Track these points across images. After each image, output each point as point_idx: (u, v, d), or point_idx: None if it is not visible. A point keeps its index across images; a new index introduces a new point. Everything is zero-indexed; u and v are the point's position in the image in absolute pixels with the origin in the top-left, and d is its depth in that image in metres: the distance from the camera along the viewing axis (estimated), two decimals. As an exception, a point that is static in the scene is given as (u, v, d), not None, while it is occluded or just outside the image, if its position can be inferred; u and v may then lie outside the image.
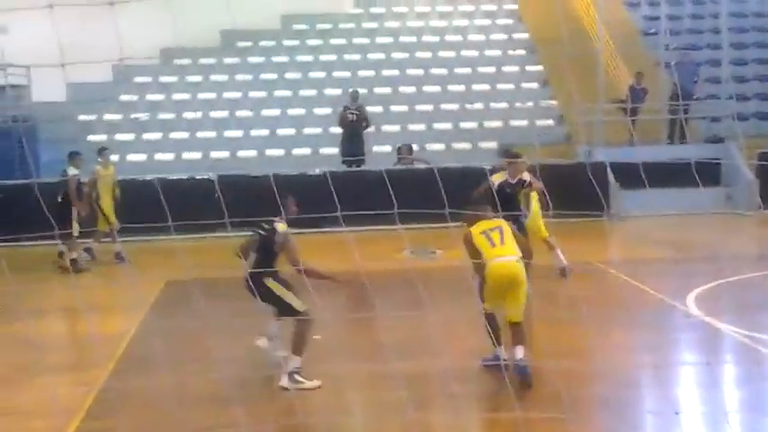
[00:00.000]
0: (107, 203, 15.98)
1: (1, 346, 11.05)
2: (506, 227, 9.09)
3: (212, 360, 9.96)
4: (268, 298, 8.86)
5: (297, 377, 8.81)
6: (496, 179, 11.79)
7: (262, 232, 8.94)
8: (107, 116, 22.65)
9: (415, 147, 20.88)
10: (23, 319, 11.75)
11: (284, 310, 8.91)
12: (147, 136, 22.04)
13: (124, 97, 23.39)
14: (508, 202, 11.28)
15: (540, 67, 25.26)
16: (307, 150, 21.86)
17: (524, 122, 23.33)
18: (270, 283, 8.84)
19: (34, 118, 21.07)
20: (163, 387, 8.95)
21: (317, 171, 18.93)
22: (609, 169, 18.96)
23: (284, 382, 8.79)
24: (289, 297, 8.86)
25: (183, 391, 8.85)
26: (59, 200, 14.90)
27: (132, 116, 22.52)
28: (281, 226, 8.87)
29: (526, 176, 11.92)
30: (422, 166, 19.27)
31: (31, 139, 20.26)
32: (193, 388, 8.91)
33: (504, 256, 8.85)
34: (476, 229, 9.01)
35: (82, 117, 22.53)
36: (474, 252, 8.95)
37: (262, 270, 8.78)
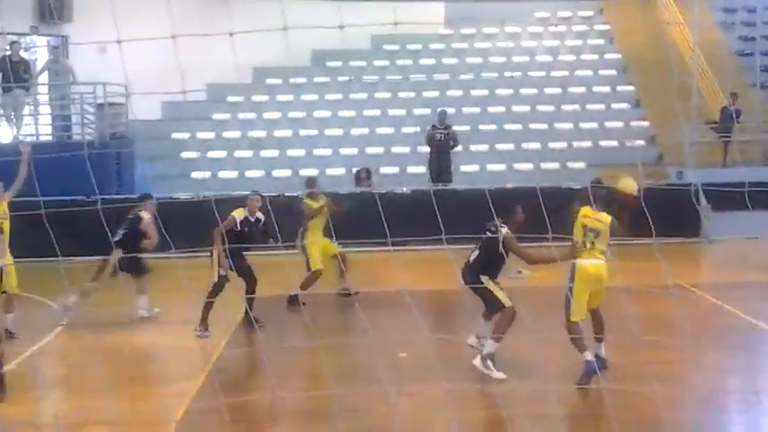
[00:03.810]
0: None
1: (100, 356, 11.31)
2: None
3: (299, 375, 10.13)
4: (481, 293, 9.82)
5: (489, 363, 9.65)
6: (237, 215, 12.27)
7: (489, 234, 9.76)
8: (200, 134, 23.11)
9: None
10: (121, 330, 12.10)
11: (493, 304, 9.82)
12: (238, 153, 22.43)
13: (217, 116, 23.85)
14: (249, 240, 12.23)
15: (631, 88, 24.99)
16: (395, 169, 21.98)
17: (614, 143, 23.07)
18: (485, 280, 9.79)
19: (131, 135, 21.61)
20: (251, 402, 9.10)
21: (404, 189, 19.04)
22: (701, 191, 18.61)
23: (477, 361, 9.70)
24: (498, 293, 9.78)
25: (272, 407, 8.97)
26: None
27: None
28: (505, 230, 9.72)
29: (261, 216, 12.47)
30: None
31: (128, 156, 20.81)
32: (281, 403, 9.02)
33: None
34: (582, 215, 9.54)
35: (176, 135, 23.04)
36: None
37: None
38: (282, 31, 20.00)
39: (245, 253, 12.42)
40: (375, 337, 10.56)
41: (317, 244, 13.98)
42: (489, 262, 9.83)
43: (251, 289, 12.32)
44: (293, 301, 13.46)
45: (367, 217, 14.89)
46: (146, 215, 12.76)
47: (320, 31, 21.73)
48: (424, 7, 26.17)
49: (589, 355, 9.23)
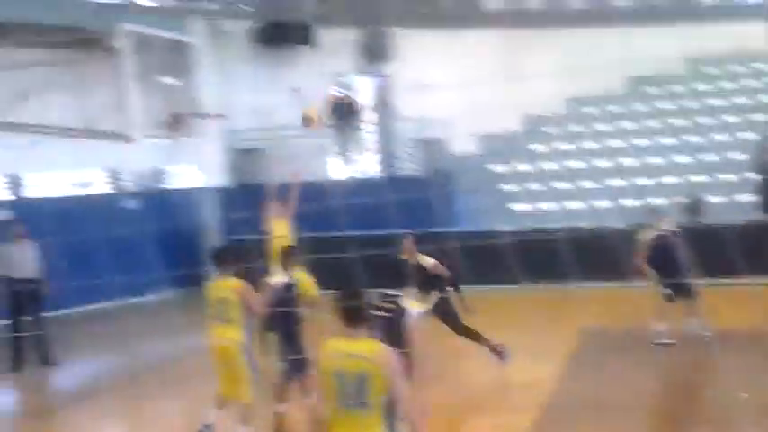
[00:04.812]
0: None
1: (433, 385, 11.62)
2: None
3: (634, 410, 9.87)
4: None
5: None
6: None
7: None
8: (517, 166, 23.32)
9: None
10: (436, 360, 12.33)
11: None
12: (556, 185, 22.40)
13: (533, 147, 23.98)
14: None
15: None
16: (721, 198, 21.01)
17: None
18: None
19: (451, 169, 22.22)
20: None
21: (731, 220, 18.14)
22: None
23: None
24: None
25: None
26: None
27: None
28: None
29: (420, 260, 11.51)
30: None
31: (449, 190, 21.39)
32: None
33: None
34: None
35: (493, 167, 23.40)
36: None
37: None
38: (596, 60, 19.80)
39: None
40: (720, 379, 10.16)
41: None
42: None
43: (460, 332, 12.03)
44: None
45: (697, 250, 14.43)
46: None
47: (635, 58, 21.51)
48: (744, 27, 24.92)
49: None
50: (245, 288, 9.09)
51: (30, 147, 16.89)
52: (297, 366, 9.23)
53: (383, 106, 22.60)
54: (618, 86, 24.97)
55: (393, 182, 19.53)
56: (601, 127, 24.15)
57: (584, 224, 18.43)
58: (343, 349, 5.43)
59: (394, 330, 7.20)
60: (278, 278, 9.72)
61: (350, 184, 20.24)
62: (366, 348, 5.42)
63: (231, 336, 9.04)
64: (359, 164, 22.18)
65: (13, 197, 19.33)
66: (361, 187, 19.47)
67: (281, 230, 13.80)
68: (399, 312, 7.56)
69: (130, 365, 13.31)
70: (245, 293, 9.04)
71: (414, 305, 7.77)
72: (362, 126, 22.48)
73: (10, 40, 18.03)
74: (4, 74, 17.59)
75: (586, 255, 13.86)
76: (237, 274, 9.20)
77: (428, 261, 11.65)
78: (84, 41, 18.11)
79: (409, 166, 21.66)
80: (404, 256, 11.72)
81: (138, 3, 22.11)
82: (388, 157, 22.46)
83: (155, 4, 22.43)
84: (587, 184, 22.30)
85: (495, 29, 24.69)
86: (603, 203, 21.44)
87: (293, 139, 20.13)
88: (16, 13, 18.04)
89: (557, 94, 24.06)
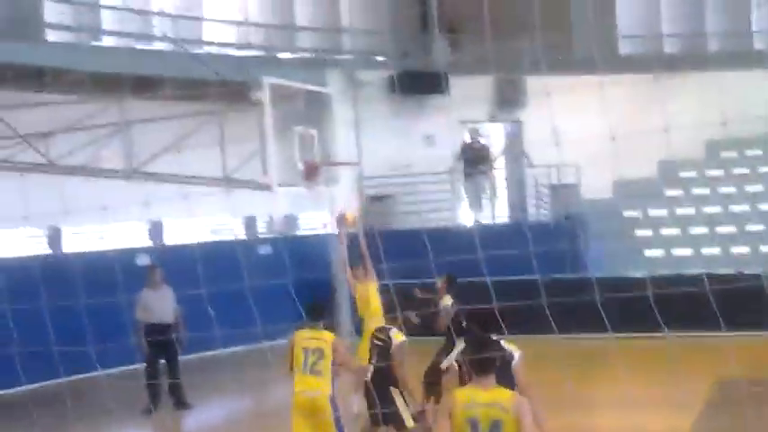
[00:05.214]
0: None
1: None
2: None
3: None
4: None
5: None
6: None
7: None
8: (652, 211, 22.97)
9: None
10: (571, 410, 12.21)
11: None
12: (693, 230, 21.95)
13: (669, 192, 23.58)
14: None
15: None
16: None
17: None
18: None
19: (584, 215, 22.07)
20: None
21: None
22: None
23: None
24: None
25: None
26: None
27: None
28: None
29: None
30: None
31: (581, 236, 21.22)
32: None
33: None
34: None
35: (627, 213, 23.10)
36: None
37: None
38: (736, 102, 19.44)
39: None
40: None
41: None
42: None
43: None
44: None
45: None
46: None
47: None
48: None
49: None
50: (339, 341, 9.10)
51: (172, 196, 17.64)
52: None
53: (515, 152, 22.67)
54: (758, 129, 24.32)
55: (524, 228, 19.54)
56: (740, 171, 23.57)
57: (722, 270, 18.00)
58: (477, 398, 5.47)
59: (502, 376, 7.16)
60: (400, 338, 9.49)
61: (480, 230, 20.34)
62: (500, 396, 5.48)
63: (321, 387, 8.84)
64: (490, 210, 22.28)
65: (153, 244, 20.20)
66: (491, 233, 19.53)
67: (365, 295, 12.68)
68: (504, 357, 7.47)
69: (261, 408, 13.68)
70: (338, 347, 8.98)
71: (512, 347, 7.63)
72: (494, 172, 22.60)
73: (159, 94, 18.93)
74: (152, 126, 18.47)
75: (725, 302, 13.57)
76: (328, 327, 9.15)
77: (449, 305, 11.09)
78: (227, 94, 18.86)
79: (541, 212, 21.63)
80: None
81: (278, 56, 22.94)
82: (519, 202, 22.50)
83: (294, 56, 23.21)
84: (725, 230, 21.78)
85: (632, 73, 24.46)
86: (742, 249, 20.91)
87: (425, 185, 20.45)
88: (166, 67, 19.03)
89: (695, 138, 23.57)
